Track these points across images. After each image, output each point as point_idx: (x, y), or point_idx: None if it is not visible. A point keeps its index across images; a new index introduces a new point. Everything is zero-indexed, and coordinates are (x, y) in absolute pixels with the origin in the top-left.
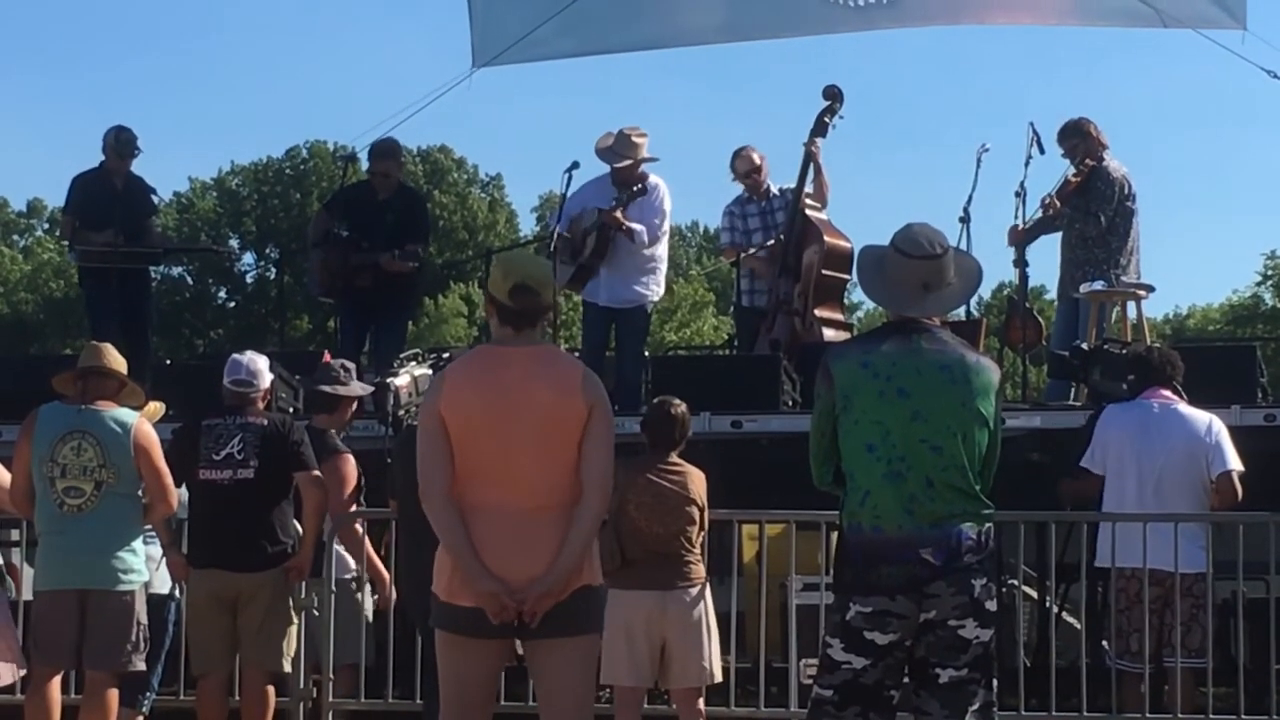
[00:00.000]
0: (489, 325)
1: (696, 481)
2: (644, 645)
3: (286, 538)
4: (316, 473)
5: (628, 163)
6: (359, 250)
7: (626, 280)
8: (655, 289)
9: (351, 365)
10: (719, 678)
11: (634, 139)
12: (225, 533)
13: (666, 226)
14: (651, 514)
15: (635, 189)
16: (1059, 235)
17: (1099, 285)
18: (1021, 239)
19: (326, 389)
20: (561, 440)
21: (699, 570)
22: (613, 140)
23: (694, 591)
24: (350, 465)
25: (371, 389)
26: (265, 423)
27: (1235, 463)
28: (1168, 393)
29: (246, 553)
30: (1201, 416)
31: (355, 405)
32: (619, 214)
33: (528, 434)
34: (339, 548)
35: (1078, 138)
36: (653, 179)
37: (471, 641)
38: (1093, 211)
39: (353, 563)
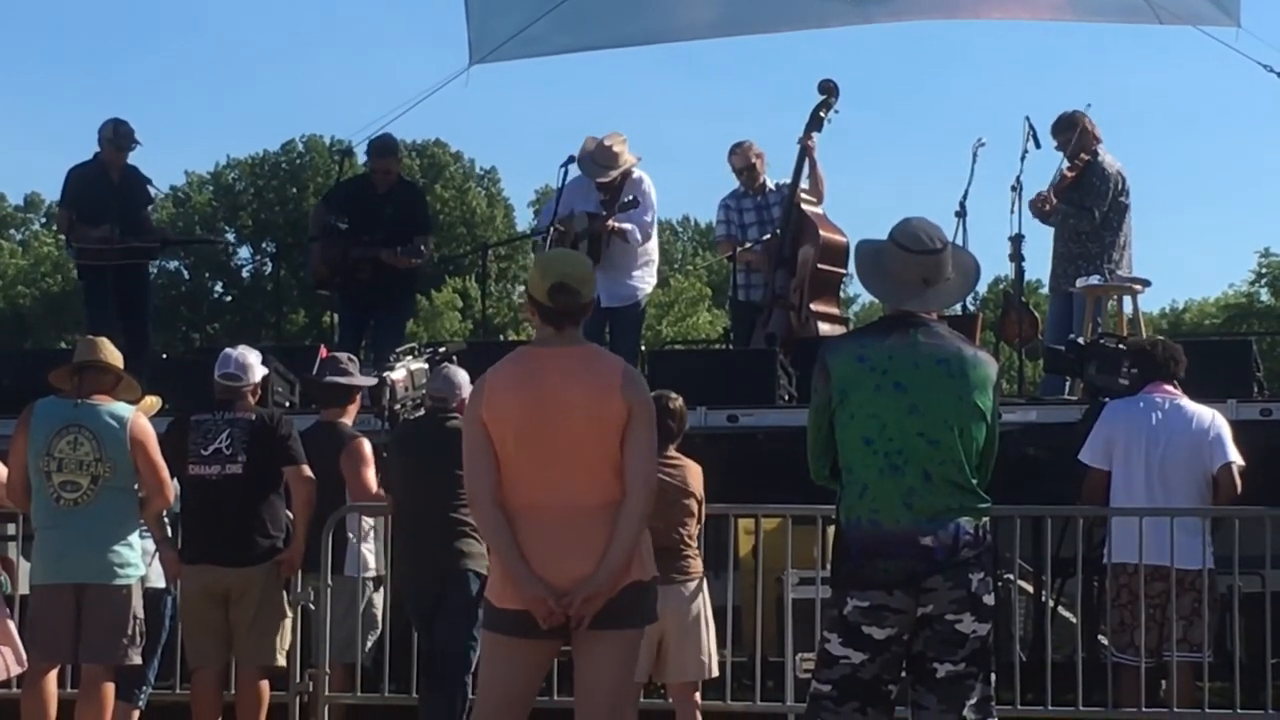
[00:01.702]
0: (532, 325)
1: (694, 475)
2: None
3: (278, 532)
4: (305, 467)
5: (611, 175)
6: (358, 244)
7: (622, 279)
8: (648, 283)
9: (355, 357)
10: (715, 672)
11: (614, 149)
12: (216, 528)
13: (654, 219)
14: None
15: (628, 200)
16: (1051, 230)
17: (1095, 280)
18: (1043, 216)
19: (339, 380)
20: (602, 441)
21: (696, 564)
22: (594, 150)
23: (691, 586)
24: (368, 445)
25: (375, 380)
26: (253, 417)
27: (1235, 456)
28: (1170, 388)
29: (237, 548)
30: (1204, 412)
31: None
32: (611, 221)
33: (567, 436)
34: (364, 547)
35: (1072, 131)
36: (636, 173)
37: (520, 642)
38: (1087, 206)
39: (372, 561)
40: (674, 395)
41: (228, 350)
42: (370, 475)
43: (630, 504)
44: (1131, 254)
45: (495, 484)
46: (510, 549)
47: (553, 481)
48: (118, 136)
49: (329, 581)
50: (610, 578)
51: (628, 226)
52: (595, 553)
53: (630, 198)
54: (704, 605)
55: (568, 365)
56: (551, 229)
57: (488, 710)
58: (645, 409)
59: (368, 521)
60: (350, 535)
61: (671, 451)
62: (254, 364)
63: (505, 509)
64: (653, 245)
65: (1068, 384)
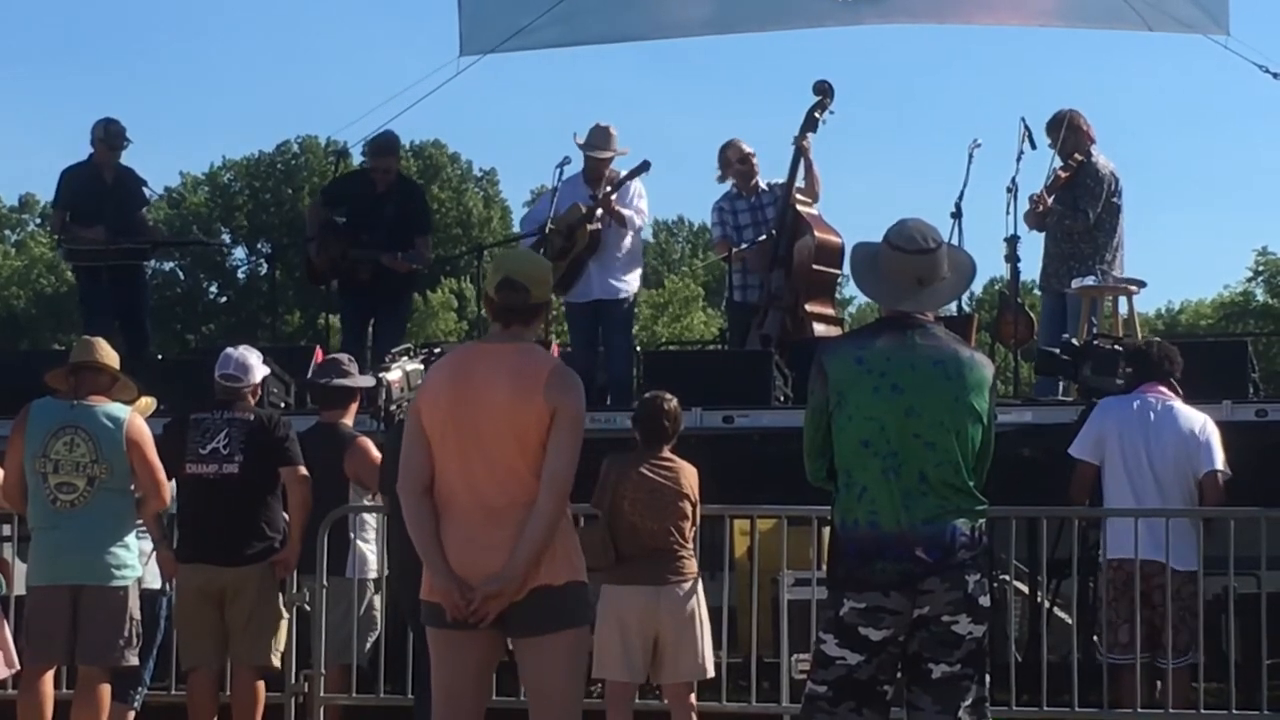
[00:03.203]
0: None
1: (689, 476)
2: (637, 640)
3: (274, 533)
4: (301, 467)
5: (610, 155)
6: (358, 243)
7: (614, 272)
8: (634, 282)
9: (354, 358)
10: (711, 673)
11: (610, 131)
12: (211, 527)
13: (645, 219)
14: (645, 509)
15: (626, 173)
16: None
17: (1090, 281)
18: (1038, 222)
19: (344, 383)
20: (521, 440)
21: (691, 565)
22: (588, 135)
23: (687, 586)
24: (371, 444)
25: (374, 382)
26: (252, 417)
27: (1221, 464)
28: (1164, 389)
29: (232, 547)
30: (1195, 415)
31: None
32: (612, 199)
33: (489, 434)
34: (366, 548)
35: (1067, 130)
36: (625, 171)
37: (453, 634)
38: (1081, 207)
39: (373, 563)
40: (668, 396)
41: (228, 350)
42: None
43: (540, 506)
44: (1123, 255)
45: (426, 474)
46: (428, 541)
47: (474, 477)
48: (109, 136)
49: (324, 582)
50: (515, 577)
51: (627, 212)
52: (508, 552)
53: (628, 170)
54: (699, 606)
55: (498, 363)
56: (548, 227)
57: (438, 706)
58: (570, 412)
59: (370, 523)
60: (352, 536)
61: (666, 452)
62: (254, 364)
63: (439, 500)
64: (640, 241)
65: (1061, 385)
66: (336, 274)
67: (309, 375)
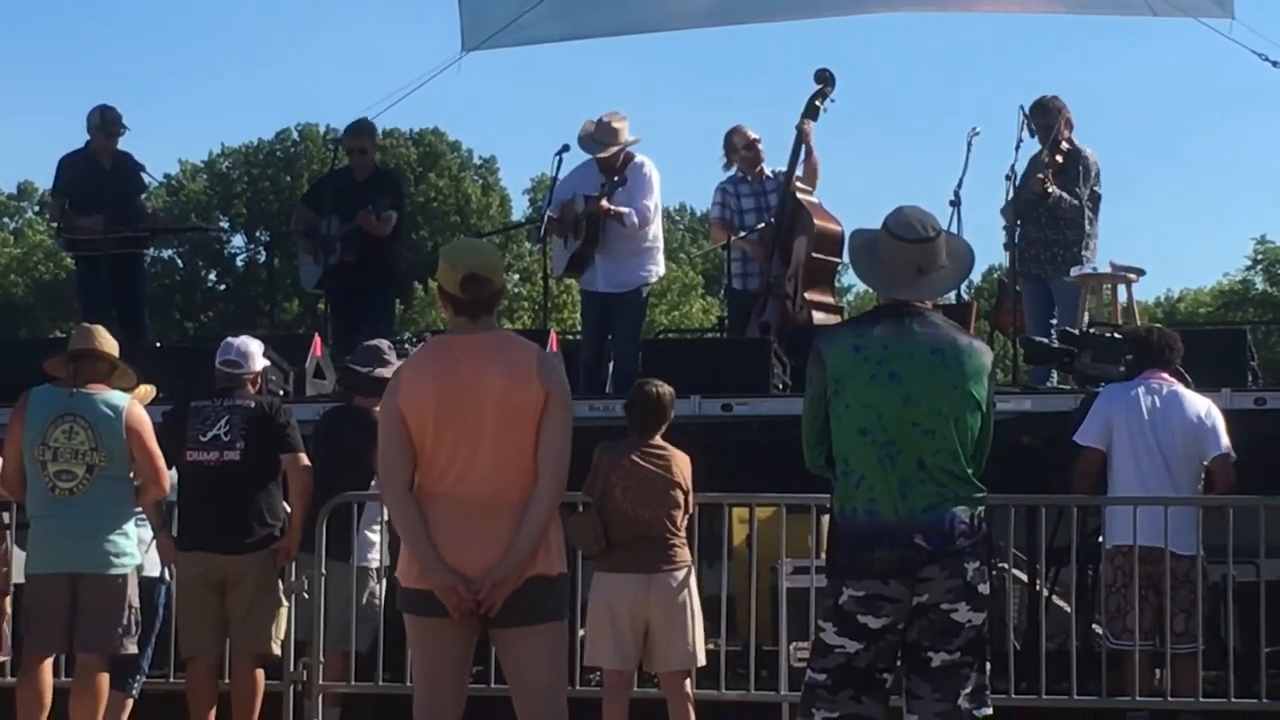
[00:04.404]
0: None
1: (681, 464)
2: (628, 628)
3: (275, 520)
4: (303, 455)
5: (611, 151)
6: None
7: (621, 264)
8: (652, 270)
9: (392, 345)
10: (702, 661)
11: (614, 125)
12: (212, 515)
13: (657, 204)
14: (636, 497)
15: (616, 178)
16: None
17: (1089, 268)
18: (1044, 192)
19: (384, 373)
20: (518, 427)
21: (683, 554)
22: (594, 129)
23: (678, 575)
24: None
25: None
26: (253, 404)
27: (1228, 446)
28: (1166, 375)
29: (233, 535)
30: (1200, 400)
31: None
32: (604, 202)
33: (484, 423)
34: (369, 534)
35: (1054, 116)
36: (638, 158)
37: (435, 621)
38: (1074, 192)
39: (377, 550)
40: (659, 383)
41: (229, 338)
42: None
43: (540, 490)
44: (1099, 242)
45: (409, 473)
46: (421, 538)
47: (467, 470)
48: (106, 123)
49: (323, 570)
50: (519, 565)
51: (624, 210)
52: (506, 542)
53: (619, 176)
54: (690, 594)
55: (482, 352)
56: (547, 217)
57: (419, 694)
58: (561, 394)
59: (378, 511)
60: (356, 524)
61: (658, 440)
62: (255, 353)
63: (424, 496)
64: (656, 232)
65: (1054, 375)
66: (328, 273)
67: (350, 361)
